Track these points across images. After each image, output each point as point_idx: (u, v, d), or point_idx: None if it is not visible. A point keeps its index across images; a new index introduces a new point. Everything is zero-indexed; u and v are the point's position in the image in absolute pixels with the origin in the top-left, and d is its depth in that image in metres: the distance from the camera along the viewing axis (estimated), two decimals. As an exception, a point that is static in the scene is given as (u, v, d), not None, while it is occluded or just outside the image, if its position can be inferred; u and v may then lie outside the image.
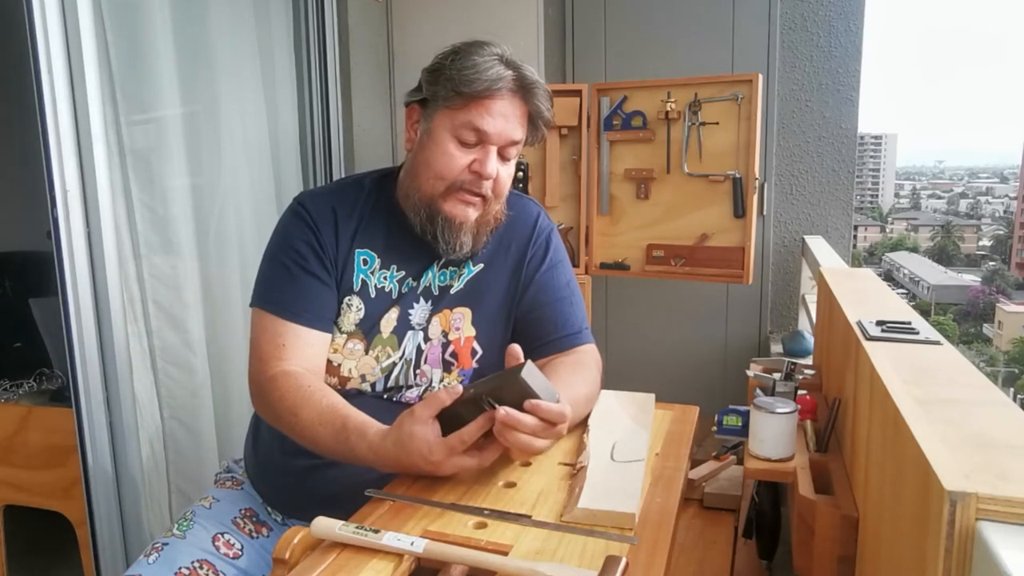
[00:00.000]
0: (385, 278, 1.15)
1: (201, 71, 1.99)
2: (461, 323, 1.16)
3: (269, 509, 1.19)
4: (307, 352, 1.09)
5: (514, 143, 1.11)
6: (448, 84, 1.07)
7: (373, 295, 1.14)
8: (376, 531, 0.76)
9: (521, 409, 0.86)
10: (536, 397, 0.86)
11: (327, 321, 1.11)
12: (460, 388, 0.90)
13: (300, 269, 1.11)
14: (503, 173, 1.12)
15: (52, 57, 1.51)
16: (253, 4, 2.21)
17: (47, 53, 1.50)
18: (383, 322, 1.13)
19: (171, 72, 1.88)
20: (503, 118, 1.08)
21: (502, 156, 1.11)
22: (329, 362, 1.12)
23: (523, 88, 1.09)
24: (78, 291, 1.58)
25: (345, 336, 1.12)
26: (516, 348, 0.96)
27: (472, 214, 1.11)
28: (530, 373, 0.87)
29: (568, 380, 1.07)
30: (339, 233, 1.14)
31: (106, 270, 1.62)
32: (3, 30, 1.92)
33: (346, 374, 1.12)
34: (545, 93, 1.12)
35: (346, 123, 2.58)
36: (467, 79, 1.05)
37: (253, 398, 1.10)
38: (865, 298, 1.18)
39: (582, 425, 1.07)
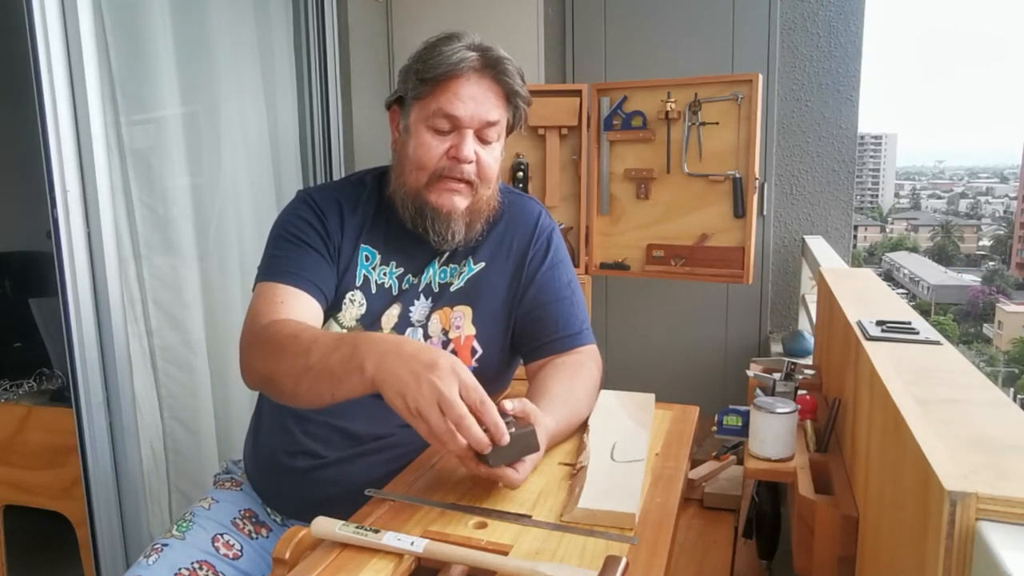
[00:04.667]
0: (385, 274, 1.15)
1: (201, 71, 1.99)
2: (461, 322, 1.16)
3: (269, 510, 1.19)
4: (304, 317, 1.05)
5: (490, 124, 1.09)
6: (415, 76, 1.08)
7: (374, 291, 1.14)
8: (376, 531, 0.76)
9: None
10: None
11: (323, 294, 1.10)
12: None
13: (301, 242, 1.11)
14: (485, 157, 1.11)
15: (52, 57, 1.51)
16: (253, 4, 2.21)
17: (47, 53, 1.50)
18: (384, 318, 1.13)
19: (171, 72, 1.88)
20: (473, 100, 1.07)
21: (482, 139, 1.10)
22: None
23: (489, 66, 1.08)
24: (78, 291, 1.58)
25: (346, 332, 1.12)
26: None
27: (460, 202, 1.11)
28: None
29: (567, 386, 1.07)
30: (344, 227, 1.15)
31: (106, 270, 1.62)
32: (3, 30, 1.92)
33: None
34: (515, 69, 1.11)
35: (346, 123, 2.58)
36: (431, 66, 1.06)
37: (243, 351, 1.02)
38: (865, 298, 1.18)
39: (582, 425, 1.07)
